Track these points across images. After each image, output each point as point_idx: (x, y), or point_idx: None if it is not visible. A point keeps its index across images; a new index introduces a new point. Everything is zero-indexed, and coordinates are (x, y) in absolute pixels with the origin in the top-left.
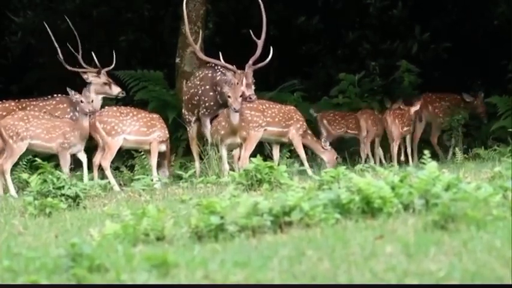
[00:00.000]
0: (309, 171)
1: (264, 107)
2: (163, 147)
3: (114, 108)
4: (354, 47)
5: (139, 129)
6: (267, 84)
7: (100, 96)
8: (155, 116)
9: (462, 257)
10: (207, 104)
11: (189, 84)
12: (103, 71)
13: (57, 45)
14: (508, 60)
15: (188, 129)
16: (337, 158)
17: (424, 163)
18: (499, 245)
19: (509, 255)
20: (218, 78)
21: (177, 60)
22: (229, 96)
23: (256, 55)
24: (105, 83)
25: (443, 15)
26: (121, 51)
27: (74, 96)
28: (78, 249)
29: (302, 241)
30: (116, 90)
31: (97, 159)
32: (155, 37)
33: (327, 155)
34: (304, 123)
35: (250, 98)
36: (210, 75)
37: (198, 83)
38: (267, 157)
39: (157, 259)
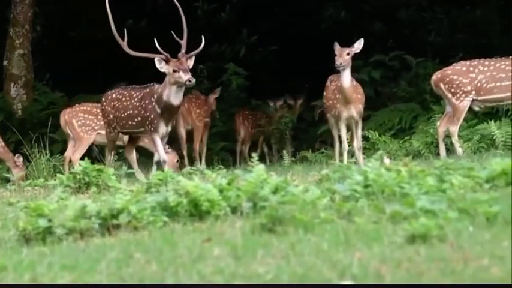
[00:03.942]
0: (137, 175)
1: (98, 110)
2: None
3: None
4: None
5: None
6: (94, 88)
7: None
8: None
9: (290, 260)
10: (150, 119)
11: (125, 104)
12: None
13: None
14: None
15: None
16: (178, 161)
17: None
18: (326, 248)
19: (336, 257)
20: (155, 88)
21: (5, 63)
22: (175, 71)
23: (183, 53)
24: None
25: (271, 19)
26: None
27: None
28: None
29: (130, 244)
30: None
31: None
32: None
33: (168, 157)
34: None
35: (190, 82)
36: (148, 91)
37: (139, 104)
38: (95, 160)
39: None
